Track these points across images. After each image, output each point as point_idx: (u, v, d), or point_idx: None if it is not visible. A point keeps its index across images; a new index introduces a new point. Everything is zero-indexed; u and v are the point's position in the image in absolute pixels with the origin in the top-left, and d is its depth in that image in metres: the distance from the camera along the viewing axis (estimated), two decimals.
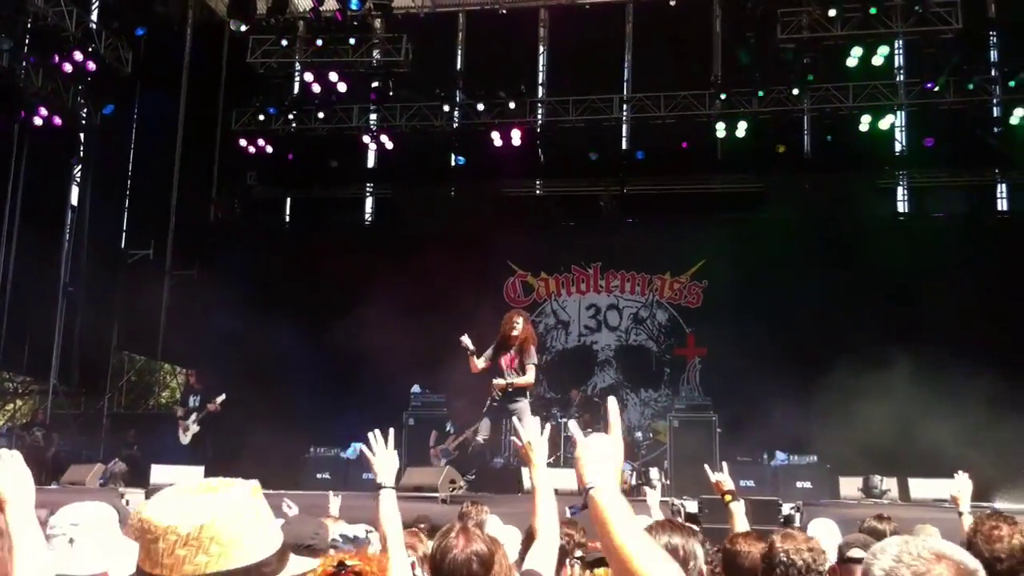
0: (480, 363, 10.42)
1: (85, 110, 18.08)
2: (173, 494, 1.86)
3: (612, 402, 2.34)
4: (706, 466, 6.38)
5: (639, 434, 16.40)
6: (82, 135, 18.38)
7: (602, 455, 2.24)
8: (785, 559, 3.68)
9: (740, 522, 5.54)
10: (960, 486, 5.54)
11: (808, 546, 3.82)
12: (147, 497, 9.63)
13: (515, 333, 10.35)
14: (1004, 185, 18.50)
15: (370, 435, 4.25)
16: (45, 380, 17.64)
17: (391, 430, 4.30)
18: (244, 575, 1.79)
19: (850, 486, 11.29)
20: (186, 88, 19.97)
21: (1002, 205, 18.61)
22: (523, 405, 10.48)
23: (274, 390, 15.93)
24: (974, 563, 1.87)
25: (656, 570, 1.99)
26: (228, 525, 1.79)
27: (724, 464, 5.96)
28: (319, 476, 13.86)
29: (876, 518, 5.99)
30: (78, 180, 18.72)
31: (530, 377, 10.44)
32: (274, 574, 1.84)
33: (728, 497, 5.76)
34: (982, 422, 12.66)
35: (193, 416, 14.02)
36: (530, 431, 3.88)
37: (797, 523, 9.24)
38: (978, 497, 10.14)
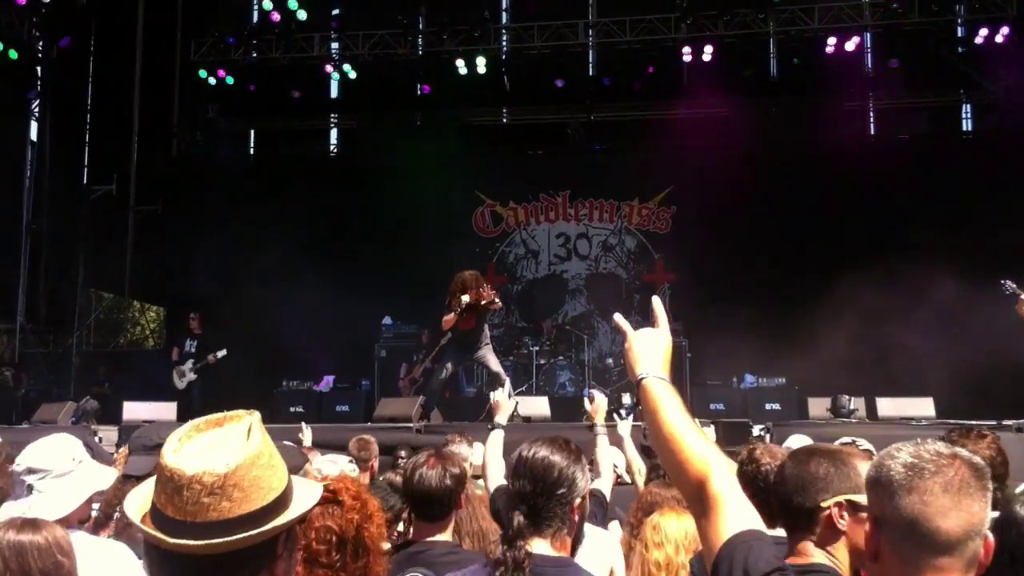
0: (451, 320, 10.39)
1: (41, 43, 17.68)
2: (185, 435, 1.90)
3: (656, 301, 2.40)
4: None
5: (610, 360, 16.51)
6: (39, 69, 18.00)
7: (652, 347, 2.27)
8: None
9: (601, 451, 5.41)
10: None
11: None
12: (120, 434, 9.65)
13: (477, 299, 10.26)
14: (968, 105, 18.57)
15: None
16: (12, 319, 17.47)
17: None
18: (263, 514, 1.86)
19: (819, 406, 11.46)
20: (143, 19, 19.50)
21: (966, 125, 18.71)
22: (486, 350, 10.61)
23: (244, 324, 15.89)
24: (980, 460, 1.92)
25: (705, 456, 2.01)
26: (248, 470, 1.86)
27: (596, 395, 5.59)
28: (292, 409, 13.90)
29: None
30: (36, 115, 18.36)
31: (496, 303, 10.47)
32: (287, 507, 1.92)
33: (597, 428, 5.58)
34: (949, 343, 12.87)
35: (189, 363, 13.97)
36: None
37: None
38: (948, 415, 10.41)
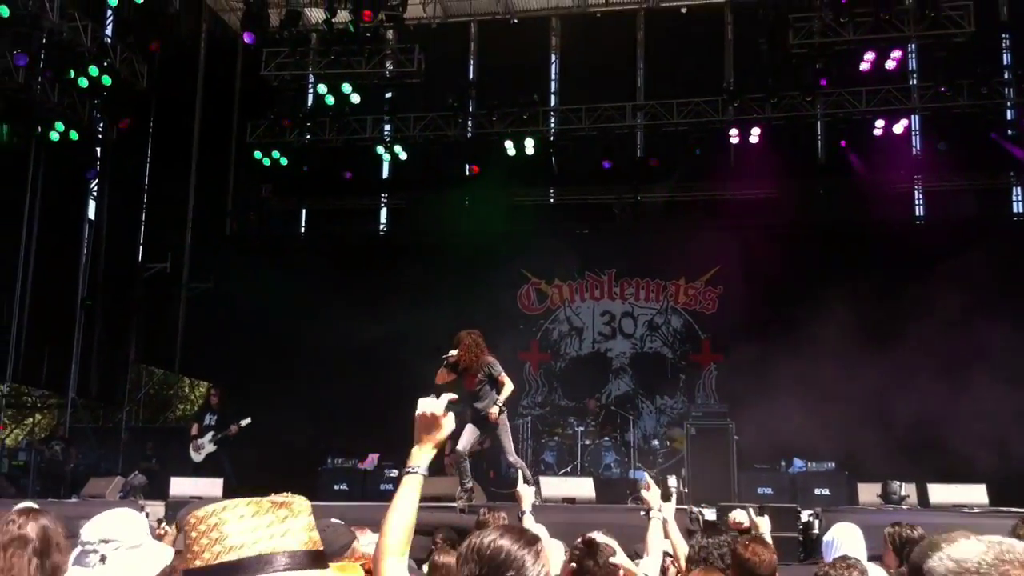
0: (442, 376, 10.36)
1: (101, 124, 18.19)
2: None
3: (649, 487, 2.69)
4: (647, 475, 6.21)
5: (655, 442, 16.39)
6: (99, 149, 18.49)
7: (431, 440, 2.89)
8: None
9: (659, 540, 5.38)
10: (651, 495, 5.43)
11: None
12: (167, 510, 9.72)
13: (451, 359, 10.24)
14: (1019, 188, 18.45)
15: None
16: (64, 394, 17.73)
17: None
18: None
19: (869, 492, 11.21)
20: (201, 102, 20.09)
21: (1017, 208, 18.56)
22: (487, 403, 10.38)
23: (291, 400, 15.98)
24: None
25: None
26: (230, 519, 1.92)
27: (651, 484, 5.68)
28: (336, 487, 13.89)
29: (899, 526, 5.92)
30: (95, 194, 18.83)
31: (508, 384, 10.35)
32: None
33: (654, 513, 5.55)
34: (1006, 428, 12.63)
35: (209, 435, 13.94)
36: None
37: (816, 530, 9.24)
38: (1001, 502, 10.17)
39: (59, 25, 15.74)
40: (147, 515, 9.55)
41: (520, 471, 10.27)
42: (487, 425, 10.43)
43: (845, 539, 5.64)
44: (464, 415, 10.69)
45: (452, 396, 2.96)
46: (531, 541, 2.79)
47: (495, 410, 10.20)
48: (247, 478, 12.56)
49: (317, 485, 13.97)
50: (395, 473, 14.78)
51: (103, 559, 3.29)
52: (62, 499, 12.09)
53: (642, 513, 5.57)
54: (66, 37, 15.96)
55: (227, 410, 14.17)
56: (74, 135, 16.91)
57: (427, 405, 2.92)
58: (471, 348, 10.20)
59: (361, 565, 3.49)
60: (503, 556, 2.71)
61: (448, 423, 2.93)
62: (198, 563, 1.90)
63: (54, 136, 16.59)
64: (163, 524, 8.24)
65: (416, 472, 2.82)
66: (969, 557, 1.81)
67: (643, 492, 5.61)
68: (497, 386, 10.37)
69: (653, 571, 5.06)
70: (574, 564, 4.33)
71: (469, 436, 10.55)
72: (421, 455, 2.88)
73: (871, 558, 5.75)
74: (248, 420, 13.85)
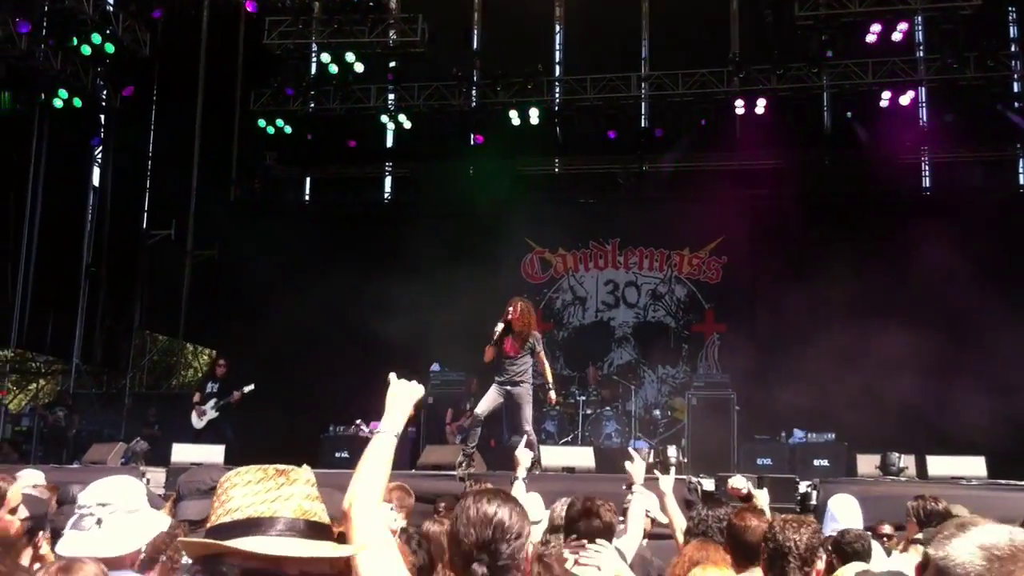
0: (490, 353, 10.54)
1: (105, 92, 18.19)
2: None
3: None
4: (631, 449, 6.31)
5: (657, 412, 16.42)
6: (102, 117, 18.51)
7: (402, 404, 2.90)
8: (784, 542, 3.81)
9: (634, 511, 5.49)
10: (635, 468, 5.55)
11: (810, 527, 3.92)
12: (168, 476, 9.78)
13: (508, 317, 10.46)
14: None
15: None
16: (68, 360, 17.82)
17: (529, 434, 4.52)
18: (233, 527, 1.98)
19: (867, 464, 11.23)
20: (204, 69, 20.05)
21: (1023, 180, 18.52)
22: (523, 390, 10.62)
23: (294, 368, 16.05)
24: None
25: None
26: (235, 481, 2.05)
27: (637, 457, 5.75)
28: (337, 455, 13.94)
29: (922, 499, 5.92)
30: (99, 161, 18.85)
31: (548, 364, 10.75)
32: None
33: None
34: (1008, 400, 12.63)
35: (212, 402, 14.00)
36: None
37: (814, 501, 9.28)
38: (999, 474, 10.20)
39: None
40: (148, 481, 9.59)
41: (527, 437, 10.43)
42: (512, 393, 10.60)
43: (841, 511, 5.68)
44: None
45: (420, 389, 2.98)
46: (524, 512, 2.82)
47: (553, 395, 10.96)
48: (249, 444, 12.63)
49: (319, 452, 14.03)
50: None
51: (99, 522, 3.32)
52: (64, 464, 12.15)
53: (624, 487, 5.62)
54: (68, 5, 15.96)
55: (231, 381, 14.24)
56: (78, 102, 16.95)
57: (403, 387, 2.96)
58: (525, 313, 10.52)
59: None
60: (506, 524, 2.72)
61: (418, 387, 2.98)
62: (208, 525, 2.04)
63: (57, 103, 16.62)
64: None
65: (387, 433, 2.82)
66: (998, 542, 1.69)
67: (626, 464, 5.65)
68: (537, 361, 10.66)
69: (630, 550, 5.10)
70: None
71: (489, 402, 10.69)
72: (393, 418, 2.88)
73: (867, 528, 5.80)
74: (252, 387, 13.90)
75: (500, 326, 10.40)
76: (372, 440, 2.81)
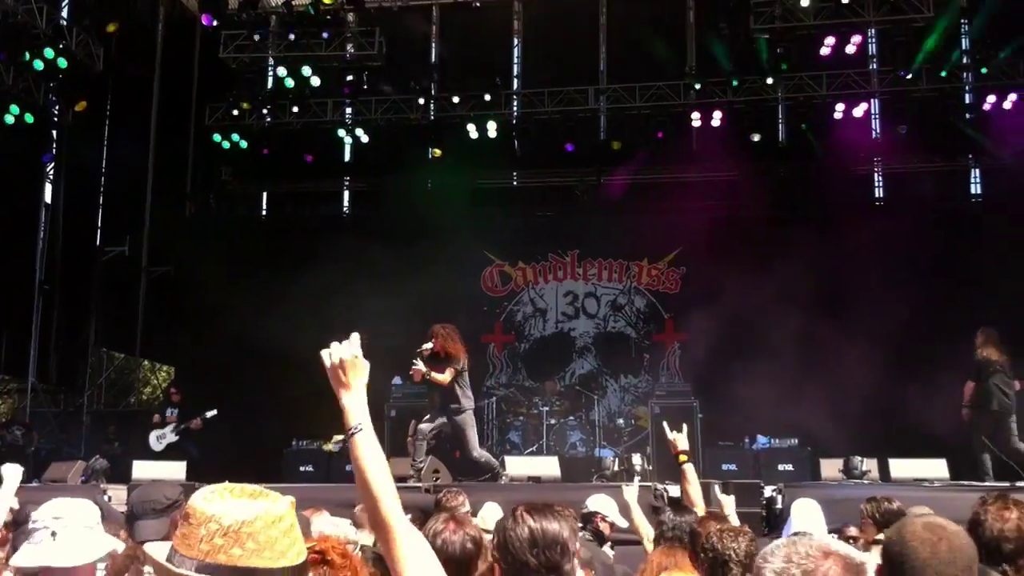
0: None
1: (57, 107, 17.97)
2: (220, 490, 1.99)
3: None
4: (664, 424, 6.50)
5: (620, 420, 16.49)
6: (55, 132, 18.28)
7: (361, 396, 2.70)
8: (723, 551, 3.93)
9: (693, 483, 5.70)
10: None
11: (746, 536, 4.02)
12: (129, 493, 9.63)
13: (425, 347, 10.40)
14: (977, 170, 18.69)
15: None
16: (23, 379, 17.54)
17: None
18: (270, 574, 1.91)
19: (831, 468, 11.35)
20: (159, 84, 19.86)
21: (975, 189, 18.82)
22: (464, 418, 10.65)
23: (254, 384, 15.90)
24: (860, 556, 1.90)
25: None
26: (266, 528, 1.92)
27: (684, 426, 6.08)
28: (302, 469, 13.85)
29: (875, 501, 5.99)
30: (51, 178, 18.60)
31: (443, 377, 10.46)
32: None
33: (683, 457, 5.94)
34: (959, 403, 12.78)
35: (170, 427, 13.92)
36: None
37: (779, 505, 9.34)
38: (970, 477, 10.33)
39: (13, 7, 15.54)
40: (109, 499, 9.46)
41: (487, 463, 10.44)
42: (453, 417, 10.61)
43: (801, 516, 5.67)
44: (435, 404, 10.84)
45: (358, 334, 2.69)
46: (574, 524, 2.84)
47: (420, 366, 10.35)
48: (212, 462, 12.49)
49: (282, 467, 13.92)
50: None
51: (53, 535, 3.27)
52: (23, 484, 11.92)
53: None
54: (20, 19, 15.74)
55: (188, 404, 14.15)
56: (29, 118, 16.69)
57: (335, 352, 2.67)
58: (446, 339, 10.48)
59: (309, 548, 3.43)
60: (562, 539, 2.73)
61: (363, 362, 2.70)
62: (204, 557, 1.92)
63: (9, 119, 16.35)
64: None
65: (361, 430, 2.61)
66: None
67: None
68: (447, 373, 10.46)
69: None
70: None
71: (433, 420, 10.68)
72: (354, 410, 2.64)
73: (832, 531, 5.84)
74: (214, 412, 13.82)
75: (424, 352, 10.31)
76: (353, 443, 2.61)
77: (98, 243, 19.23)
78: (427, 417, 10.80)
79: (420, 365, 10.29)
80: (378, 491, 2.52)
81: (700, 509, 5.80)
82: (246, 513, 1.92)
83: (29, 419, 16.35)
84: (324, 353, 2.66)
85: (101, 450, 13.82)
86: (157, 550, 1.98)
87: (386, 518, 2.48)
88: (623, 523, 6.73)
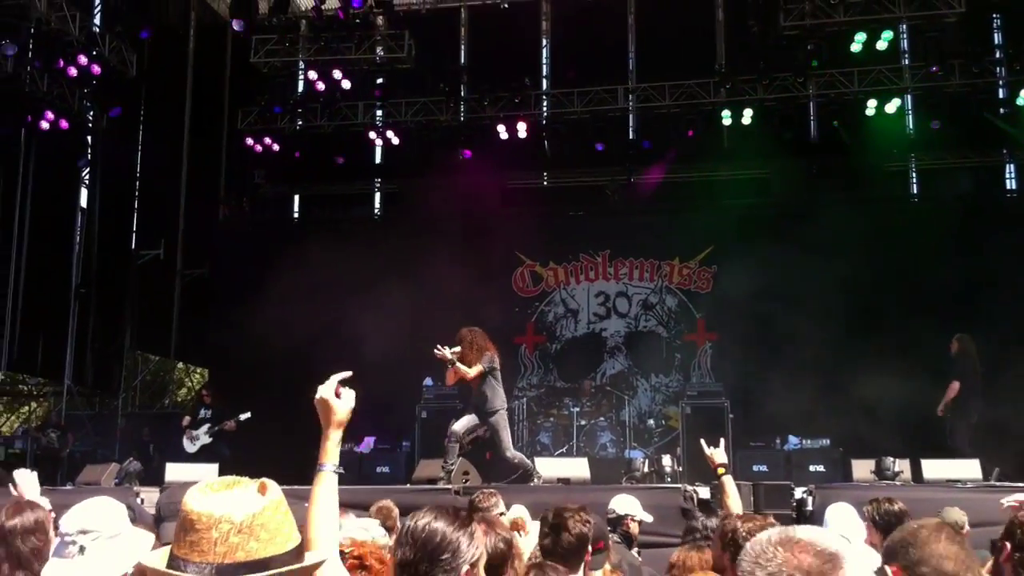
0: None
1: (91, 113, 18.18)
2: (203, 489, 2.00)
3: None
4: (702, 440, 6.47)
5: (651, 421, 16.44)
6: (89, 138, 18.49)
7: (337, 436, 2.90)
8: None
9: (732, 495, 5.65)
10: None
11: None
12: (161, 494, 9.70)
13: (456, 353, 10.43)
14: (1012, 165, 18.49)
15: None
16: (59, 382, 17.76)
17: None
18: (286, 559, 1.96)
19: (863, 468, 11.25)
20: (191, 89, 20.08)
21: (1010, 184, 18.62)
22: (497, 418, 10.64)
23: (286, 386, 15.97)
24: (834, 545, 1.88)
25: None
26: (274, 515, 1.96)
27: (721, 440, 6.07)
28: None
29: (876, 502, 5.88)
30: (87, 183, 18.83)
31: (470, 372, 10.47)
32: (302, 558, 2.03)
33: (721, 470, 5.88)
34: (994, 403, 12.65)
35: (204, 427, 14.05)
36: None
37: (810, 507, 9.27)
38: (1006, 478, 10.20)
39: (47, 15, 15.71)
40: (142, 501, 9.54)
41: (521, 463, 10.46)
42: (486, 419, 10.60)
43: (837, 521, 5.56)
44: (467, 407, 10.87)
45: (346, 374, 2.88)
46: (465, 523, 2.79)
47: (446, 352, 10.33)
48: (244, 462, 12.56)
49: (313, 469, 13.97)
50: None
51: (82, 550, 3.30)
52: (57, 486, 12.07)
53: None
54: (54, 27, 15.93)
55: (221, 405, 14.26)
56: (64, 124, 16.89)
57: (319, 391, 2.87)
58: (472, 343, 10.53)
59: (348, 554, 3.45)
60: (439, 539, 2.71)
61: (344, 402, 2.90)
62: (221, 560, 1.96)
63: (44, 125, 16.57)
64: None
65: (325, 470, 2.78)
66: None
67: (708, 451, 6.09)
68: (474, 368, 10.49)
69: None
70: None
71: (467, 421, 10.68)
72: (328, 450, 2.81)
73: None
74: (248, 414, 13.92)
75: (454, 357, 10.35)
76: (316, 479, 2.76)
77: (133, 247, 19.45)
78: (463, 419, 10.80)
79: (447, 352, 10.31)
80: (322, 523, 2.73)
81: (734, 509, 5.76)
82: (253, 506, 1.94)
83: (65, 422, 16.56)
84: (320, 389, 2.88)
85: (135, 452, 13.94)
86: (154, 560, 1.99)
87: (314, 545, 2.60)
88: (649, 518, 6.79)
